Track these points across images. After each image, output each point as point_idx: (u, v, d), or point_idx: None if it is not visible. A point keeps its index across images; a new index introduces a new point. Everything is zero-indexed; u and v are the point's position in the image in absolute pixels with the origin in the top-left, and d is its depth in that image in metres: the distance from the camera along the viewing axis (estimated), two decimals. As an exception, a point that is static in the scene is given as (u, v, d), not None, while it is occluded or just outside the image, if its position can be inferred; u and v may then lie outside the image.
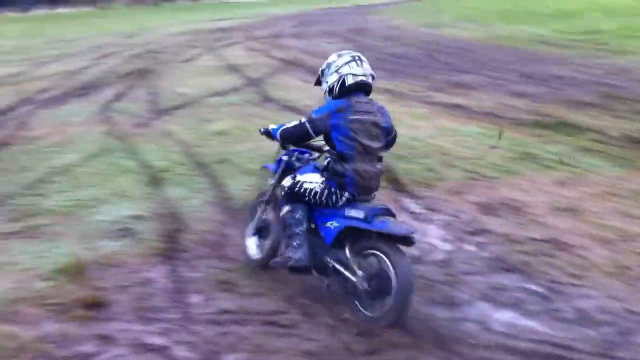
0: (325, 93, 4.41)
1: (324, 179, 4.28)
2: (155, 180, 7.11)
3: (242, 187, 6.78)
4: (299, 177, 4.41)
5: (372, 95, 4.40)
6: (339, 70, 4.28)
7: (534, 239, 5.39)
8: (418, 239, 4.56)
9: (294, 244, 4.29)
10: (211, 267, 4.98)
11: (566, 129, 8.61)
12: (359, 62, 4.31)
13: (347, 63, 4.28)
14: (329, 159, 4.32)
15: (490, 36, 19.76)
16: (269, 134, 4.69)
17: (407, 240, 4.02)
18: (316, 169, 4.45)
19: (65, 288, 4.54)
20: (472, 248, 5.31)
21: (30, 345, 3.81)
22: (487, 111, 9.85)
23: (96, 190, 6.84)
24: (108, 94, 12.88)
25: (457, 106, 10.25)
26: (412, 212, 6.06)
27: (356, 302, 4.12)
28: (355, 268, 4.08)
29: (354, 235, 4.16)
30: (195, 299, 4.47)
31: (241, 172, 7.32)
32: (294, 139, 4.47)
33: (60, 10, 61.80)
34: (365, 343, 3.84)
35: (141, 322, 4.15)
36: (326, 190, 4.24)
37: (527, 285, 4.60)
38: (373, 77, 4.37)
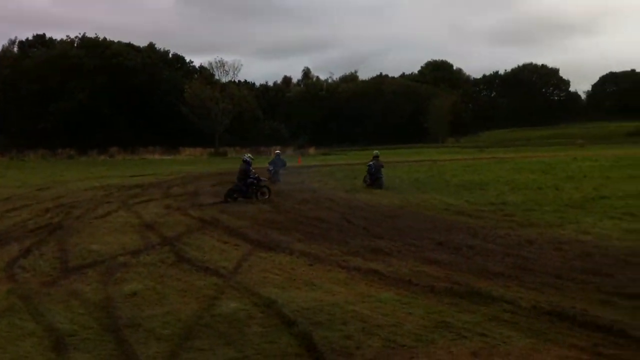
0: None
1: None
2: (59, 345, 6.68)
3: (152, 354, 6.46)
4: None
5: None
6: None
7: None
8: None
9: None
10: None
11: (478, 298, 8.77)
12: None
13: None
14: None
15: (405, 204, 20.41)
16: None
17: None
18: None
19: None
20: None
21: None
22: (402, 277, 9.99)
23: (-6, 355, 6.36)
24: (14, 249, 12.40)
25: (374, 271, 10.36)
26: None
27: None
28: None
29: None
30: None
31: (153, 338, 7.01)
32: None
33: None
34: None
35: None
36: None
37: None
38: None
